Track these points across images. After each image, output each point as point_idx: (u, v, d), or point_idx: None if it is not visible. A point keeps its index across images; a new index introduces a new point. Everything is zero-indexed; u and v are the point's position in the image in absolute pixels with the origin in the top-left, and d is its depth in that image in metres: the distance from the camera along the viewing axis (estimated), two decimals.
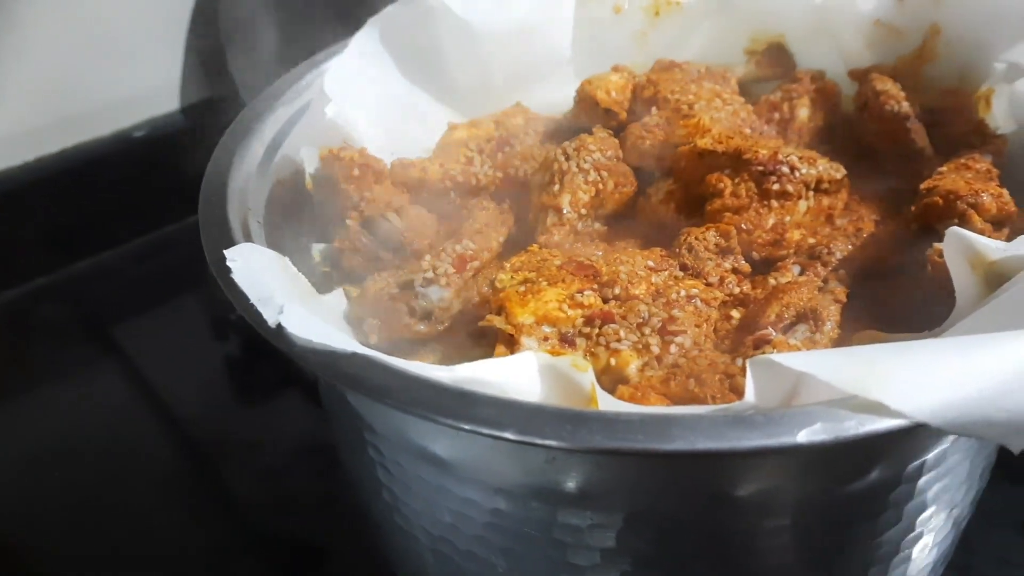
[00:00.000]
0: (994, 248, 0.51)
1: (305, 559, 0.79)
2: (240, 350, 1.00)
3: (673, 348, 0.54)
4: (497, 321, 0.54)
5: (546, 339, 0.54)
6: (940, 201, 0.58)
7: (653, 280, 0.58)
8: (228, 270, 0.51)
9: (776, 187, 0.62)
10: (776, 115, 0.74)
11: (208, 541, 0.81)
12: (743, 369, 0.44)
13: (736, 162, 0.63)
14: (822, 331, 0.55)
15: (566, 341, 0.54)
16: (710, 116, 0.70)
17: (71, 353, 1.03)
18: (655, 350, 0.53)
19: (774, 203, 0.62)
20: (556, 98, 0.80)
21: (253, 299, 0.49)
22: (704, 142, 0.65)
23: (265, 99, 0.72)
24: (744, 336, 0.55)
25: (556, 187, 0.66)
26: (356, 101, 0.72)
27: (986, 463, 0.60)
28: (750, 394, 0.42)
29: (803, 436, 0.40)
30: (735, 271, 0.60)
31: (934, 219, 0.58)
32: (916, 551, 0.57)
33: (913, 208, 0.61)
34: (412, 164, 0.71)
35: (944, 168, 0.63)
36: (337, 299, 0.63)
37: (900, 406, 0.39)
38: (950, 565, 0.65)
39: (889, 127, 0.69)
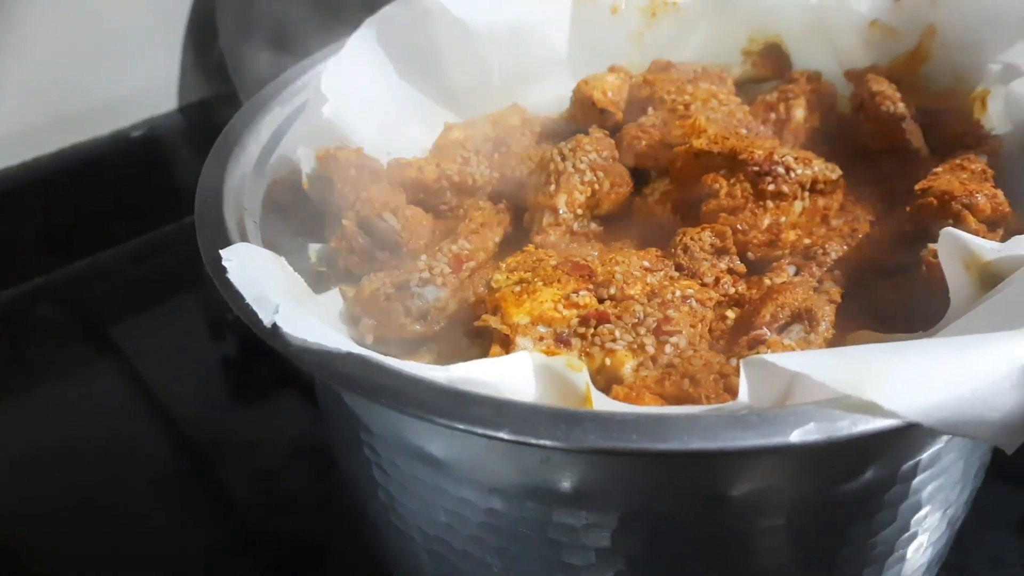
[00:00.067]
0: (988, 249, 0.51)
1: (303, 559, 0.79)
2: (237, 350, 1.00)
3: (668, 348, 0.54)
4: (493, 321, 0.54)
5: (541, 339, 0.54)
6: (935, 202, 0.58)
7: (648, 280, 0.58)
8: (224, 270, 0.51)
9: (772, 188, 0.62)
10: (772, 115, 0.74)
11: (206, 541, 0.81)
12: (738, 369, 0.44)
13: (732, 163, 0.64)
14: (817, 331, 0.55)
15: (561, 341, 0.54)
16: (706, 116, 0.70)
17: (69, 353, 1.03)
18: (650, 350, 0.54)
19: (769, 203, 0.63)
20: (553, 98, 0.81)
21: (248, 299, 0.49)
22: (700, 142, 0.65)
23: (262, 99, 0.72)
24: (739, 336, 0.55)
25: (552, 187, 0.66)
26: (353, 101, 0.72)
27: (980, 463, 0.60)
28: (744, 394, 0.43)
29: (797, 436, 0.40)
30: (730, 271, 0.60)
31: (929, 220, 0.58)
32: (911, 551, 0.57)
33: (908, 209, 0.61)
34: (408, 164, 0.71)
35: (939, 169, 0.63)
36: (333, 299, 0.63)
37: (893, 406, 0.39)
38: (945, 565, 0.65)
39: (885, 128, 0.70)
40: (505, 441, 0.42)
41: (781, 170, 0.63)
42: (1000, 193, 0.59)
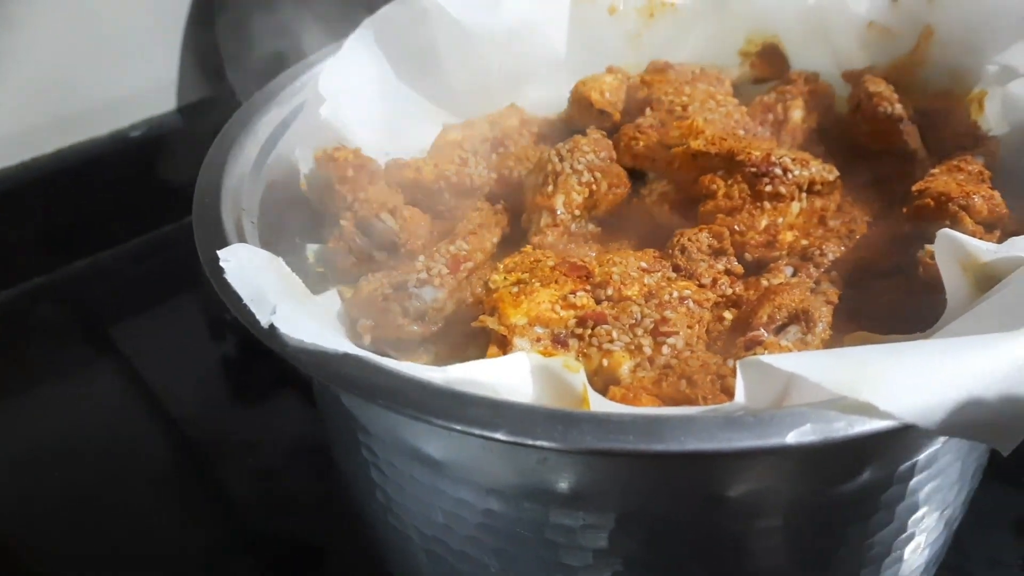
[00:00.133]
0: (985, 250, 0.51)
1: (303, 559, 0.79)
2: (237, 350, 1.00)
3: (665, 349, 0.54)
4: (490, 322, 0.55)
5: (539, 340, 0.54)
6: (932, 203, 0.59)
7: (646, 281, 0.58)
8: (221, 270, 0.51)
9: (769, 189, 0.62)
10: (770, 116, 0.74)
11: (205, 541, 0.81)
12: (735, 370, 0.44)
13: (729, 164, 0.64)
14: (814, 332, 0.55)
15: (559, 342, 0.54)
16: (704, 117, 0.70)
17: (68, 353, 1.03)
18: (647, 351, 0.54)
19: (767, 204, 0.63)
20: (551, 99, 0.81)
21: (246, 299, 0.49)
22: (697, 144, 0.65)
23: (260, 99, 0.72)
24: (736, 337, 0.55)
25: (550, 188, 0.66)
26: (351, 102, 0.72)
27: (977, 464, 0.60)
28: (740, 395, 0.43)
29: (793, 437, 0.40)
30: (728, 272, 0.60)
31: (926, 221, 0.58)
32: (908, 552, 0.57)
33: (905, 210, 0.61)
34: (406, 165, 0.71)
35: (936, 170, 0.63)
36: (331, 299, 0.63)
37: (889, 407, 0.39)
38: (942, 565, 0.66)
39: (882, 129, 0.70)
40: (502, 442, 0.42)
41: (779, 171, 0.63)
42: (997, 194, 0.59)
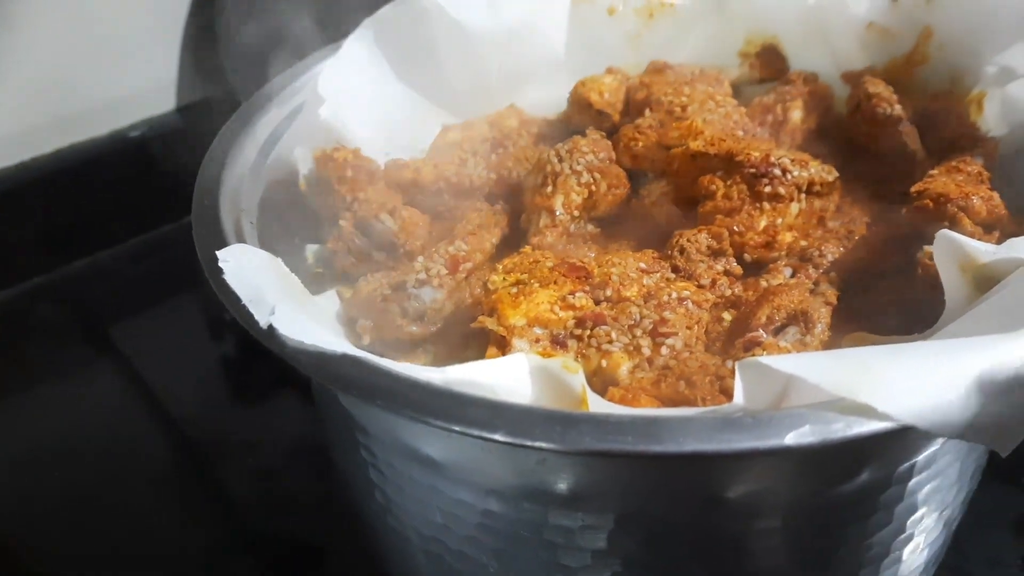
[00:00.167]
0: (984, 251, 0.51)
1: (303, 559, 0.79)
2: (237, 350, 1.00)
3: (664, 350, 0.54)
4: (489, 323, 0.55)
5: (538, 341, 0.54)
6: (931, 204, 0.58)
7: (645, 282, 0.58)
8: (220, 271, 0.51)
9: (768, 189, 0.62)
10: (769, 117, 0.74)
11: (205, 541, 0.81)
12: (733, 371, 0.44)
13: (728, 164, 0.64)
14: (812, 333, 0.55)
15: (557, 343, 0.54)
16: (703, 118, 0.70)
17: (68, 353, 1.03)
18: (646, 352, 0.54)
19: (766, 205, 0.63)
20: (550, 99, 0.81)
21: (245, 300, 0.49)
22: (696, 144, 0.65)
23: (259, 100, 0.72)
24: (735, 338, 0.55)
25: (549, 189, 0.66)
26: (350, 102, 0.72)
27: (977, 464, 0.60)
28: (739, 396, 0.43)
29: (791, 438, 0.40)
30: (727, 273, 0.60)
31: (925, 222, 0.58)
32: (907, 552, 0.57)
33: (904, 211, 0.61)
34: (406, 165, 0.71)
35: (935, 171, 0.63)
36: (330, 300, 0.63)
37: (888, 409, 0.39)
38: (942, 566, 0.66)
39: (881, 130, 0.70)
40: (501, 443, 0.42)
41: (778, 172, 0.63)
42: (996, 195, 0.59)
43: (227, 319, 0.50)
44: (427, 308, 0.60)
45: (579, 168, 0.66)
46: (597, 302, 0.56)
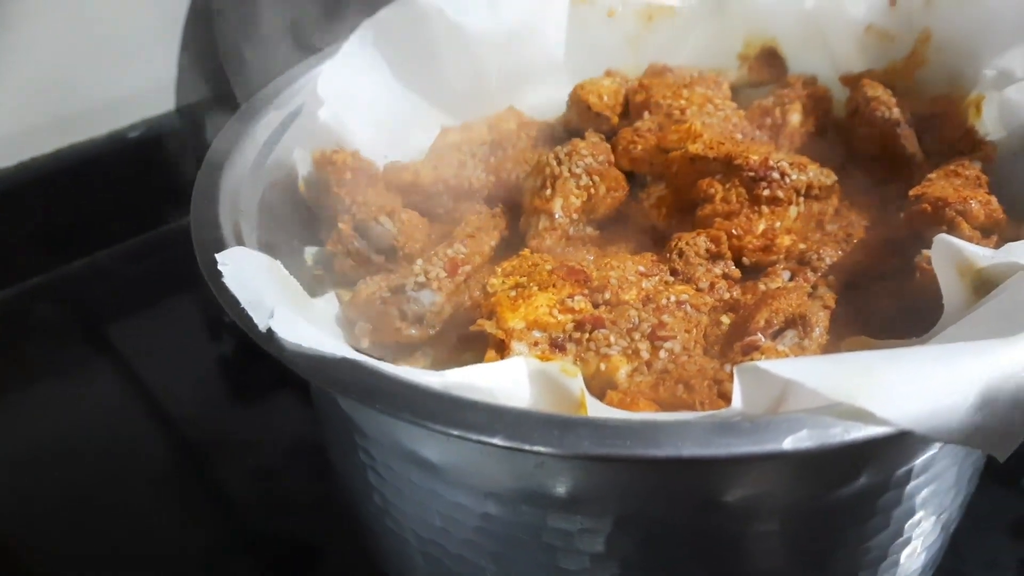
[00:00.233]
0: (982, 255, 0.51)
1: (301, 559, 0.79)
2: (236, 350, 1.00)
3: (663, 354, 0.54)
4: (488, 326, 0.55)
5: (536, 344, 0.54)
6: (929, 208, 0.58)
7: (643, 285, 0.58)
8: (219, 274, 0.51)
9: (767, 193, 0.62)
10: (768, 120, 0.74)
11: (204, 541, 0.81)
12: (732, 375, 0.44)
13: (727, 168, 0.64)
14: (811, 337, 0.55)
15: (556, 346, 0.54)
16: (702, 121, 0.70)
17: (66, 353, 1.03)
18: (645, 355, 0.54)
19: (764, 209, 0.63)
20: (549, 101, 0.80)
21: (244, 303, 0.49)
22: (695, 147, 0.65)
23: (259, 101, 0.72)
24: (734, 342, 0.55)
25: (548, 191, 0.66)
26: (349, 104, 0.72)
27: (974, 468, 0.60)
28: (737, 401, 0.43)
29: (789, 443, 0.40)
30: (725, 276, 0.61)
31: (923, 226, 0.58)
32: (904, 556, 0.57)
33: (902, 215, 0.61)
34: (405, 167, 0.71)
35: (933, 175, 0.63)
36: (329, 302, 0.63)
37: (886, 413, 0.39)
38: (939, 569, 0.66)
39: (879, 133, 0.70)
40: (499, 447, 0.42)
41: (776, 175, 0.63)
42: (994, 200, 0.59)
43: (226, 319, 0.50)
44: (426, 311, 0.60)
45: (578, 171, 0.66)
46: (596, 305, 0.56)
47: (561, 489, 0.49)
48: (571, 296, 0.56)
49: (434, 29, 0.76)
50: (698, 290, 0.59)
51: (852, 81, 0.76)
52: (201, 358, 1.01)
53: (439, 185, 0.71)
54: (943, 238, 0.52)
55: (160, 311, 1.09)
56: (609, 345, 0.54)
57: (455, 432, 0.43)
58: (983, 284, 0.51)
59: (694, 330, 0.56)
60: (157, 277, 1.12)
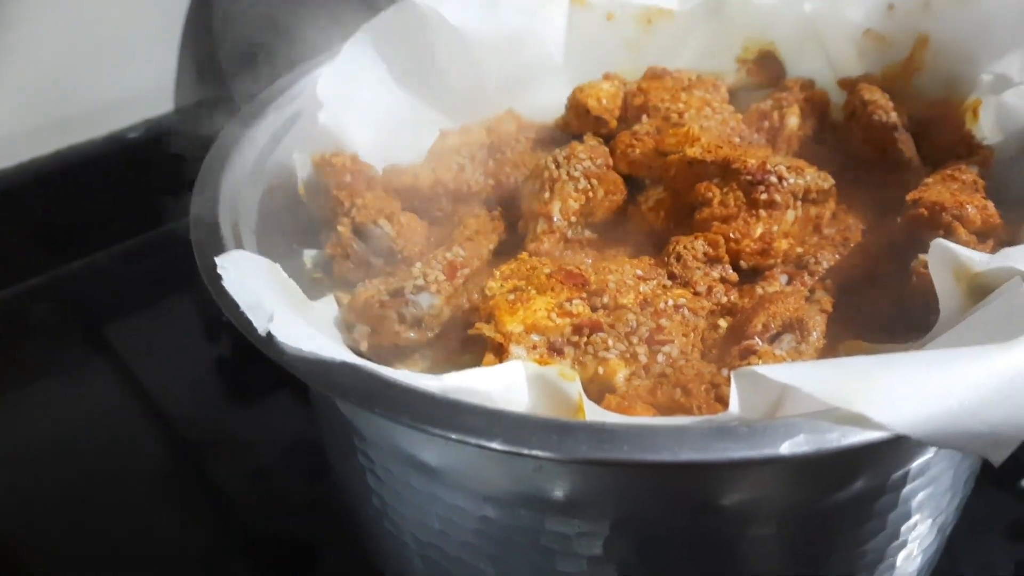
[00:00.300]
0: (978, 260, 0.51)
1: (298, 559, 0.79)
2: (233, 351, 1.00)
3: (660, 357, 0.54)
4: (486, 329, 0.55)
5: (535, 347, 0.54)
6: (925, 213, 0.59)
7: (641, 289, 0.58)
8: (219, 277, 0.51)
9: (764, 197, 0.62)
10: (766, 124, 0.74)
11: (202, 541, 0.81)
12: (729, 379, 0.44)
13: (725, 171, 0.64)
14: (808, 341, 0.55)
15: (554, 350, 0.54)
16: (700, 125, 0.70)
17: (64, 353, 1.03)
18: (643, 359, 0.54)
19: (762, 212, 0.63)
20: (548, 104, 0.80)
21: (243, 307, 0.49)
22: (693, 151, 0.65)
23: (258, 104, 0.72)
24: (731, 345, 0.55)
25: (546, 195, 0.66)
26: (349, 107, 0.72)
27: (971, 471, 0.60)
28: (734, 405, 0.43)
29: (786, 448, 0.40)
30: (723, 280, 0.61)
31: (920, 230, 0.59)
32: (900, 559, 0.58)
33: (899, 219, 0.61)
34: (404, 171, 0.71)
35: (930, 179, 0.63)
36: (328, 305, 0.63)
37: (882, 418, 0.40)
38: (935, 571, 0.66)
39: (877, 137, 0.70)
40: (497, 451, 0.42)
41: (774, 179, 0.63)
42: (990, 204, 0.59)
43: (224, 320, 0.50)
44: (425, 314, 0.60)
45: (576, 174, 0.66)
46: (594, 309, 0.56)
47: (559, 493, 0.49)
48: (569, 300, 0.56)
49: (433, 32, 0.76)
50: (696, 294, 0.59)
51: (850, 85, 0.76)
52: (199, 358, 1.01)
53: (438, 188, 0.71)
54: (940, 243, 0.52)
55: (158, 311, 1.09)
56: (607, 349, 0.54)
57: (454, 436, 0.43)
58: (979, 289, 0.51)
59: (692, 334, 0.56)
60: (156, 277, 1.12)
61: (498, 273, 0.59)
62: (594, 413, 0.48)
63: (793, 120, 0.74)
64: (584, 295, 0.57)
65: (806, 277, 0.61)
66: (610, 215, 0.68)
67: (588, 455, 0.41)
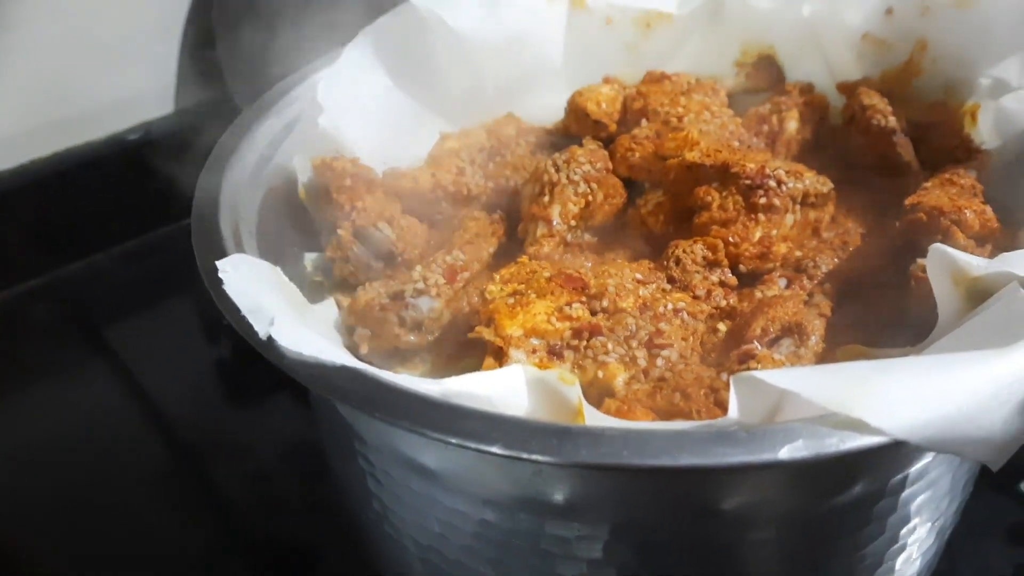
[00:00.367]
0: (976, 265, 0.51)
1: (297, 561, 0.79)
2: (232, 352, 1.00)
3: (660, 361, 0.54)
4: (486, 333, 0.55)
5: (534, 351, 0.54)
6: (924, 217, 0.59)
7: (641, 293, 0.58)
8: (220, 281, 0.51)
9: (763, 201, 0.63)
10: (765, 127, 0.74)
11: (201, 542, 0.81)
12: (728, 384, 0.45)
13: (724, 175, 0.64)
14: (807, 345, 0.55)
15: (554, 353, 0.54)
16: (699, 129, 0.70)
17: (64, 354, 1.03)
18: (642, 363, 0.54)
19: (761, 216, 0.63)
20: (548, 108, 0.81)
21: (244, 310, 0.49)
22: (693, 155, 0.65)
23: (258, 108, 0.72)
24: (730, 350, 0.55)
25: (546, 198, 0.66)
26: (349, 110, 0.72)
27: (970, 474, 0.61)
28: (733, 410, 0.43)
29: (785, 453, 0.41)
30: (722, 284, 0.61)
31: (918, 235, 0.59)
32: (900, 562, 0.58)
33: (898, 223, 0.61)
34: (404, 174, 0.71)
35: (929, 184, 0.64)
36: (328, 308, 0.63)
37: (880, 423, 0.40)
38: (935, 575, 0.66)
39: (876, 141, 0.70)
40: (497, 456, 0.42)
41: (773, 183, 0.63)
42: (989, 209, 0.60)
43: (223, 322, 0.50)
44: (425, 317, 0.60)
45: (576, 178, 0.66)
46: (593, 313, 0.57)
47: (559, 496, 0.49)
48: (569, 303, 0.56)
49: (433, 36, 0.76)
50: (695, 298, 0.59)
51: (848, 89, 0.77)
52: (199, 360, 1.01)
53: (438, 191, 0.71)
54: (938, 247, 0.53)
55: (158, 313, 1.09)
56: (607, 352, 0.54)
57: (454, 440, 0.43)
58: (977, 293, 0.51)
59: (691, 338, 0.56)
60: (155, 279, 1.13)
61: (498, 277, 0.59)
62: (593, 417, 0.48)
63: (792, 124, 0.74)
64: (583, 299, 0.57)
65: (805, 281, 0.61)
66: (609, 219, 0.69)
67: (587, 459, 0.41)
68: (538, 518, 0.50)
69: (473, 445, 0.43)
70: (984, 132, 0.70)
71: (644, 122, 0.73)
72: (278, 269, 0.57)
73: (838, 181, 0.66)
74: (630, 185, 0.70)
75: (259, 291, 0.51)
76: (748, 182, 0.63)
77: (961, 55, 0.73)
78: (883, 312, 0.59)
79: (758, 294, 0.60)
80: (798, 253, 0.63)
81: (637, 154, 0.69)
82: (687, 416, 0.51)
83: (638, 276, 0.60)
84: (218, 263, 0.52)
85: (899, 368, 0.43)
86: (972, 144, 0.69)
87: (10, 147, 1.09)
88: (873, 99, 0.72)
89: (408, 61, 0.76)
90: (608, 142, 0.73)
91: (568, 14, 0.83)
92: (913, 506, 0.54)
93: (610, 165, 0.69)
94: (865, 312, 0.59)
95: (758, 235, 0.63)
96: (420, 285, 0.61)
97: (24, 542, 0.82)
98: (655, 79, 0.78)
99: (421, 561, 0.59)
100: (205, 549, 0.80)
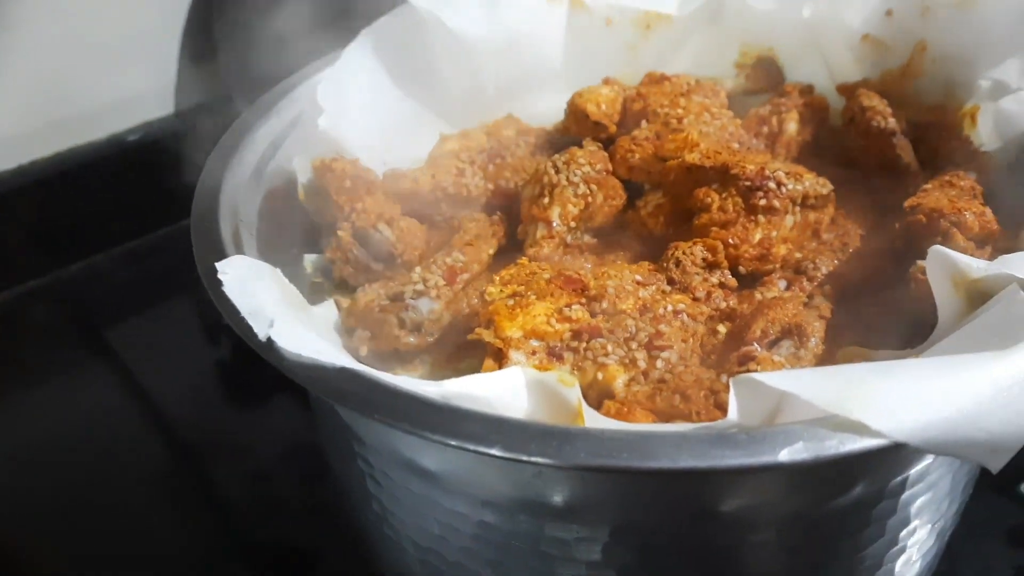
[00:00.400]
0: (976, 267, 0.51)
1: (297, 562, 0.79)
2: (232, 354, 1.00)
3: (659, 363, 0.54)
4: (486, 334, 0.55)
5: (534, 353, 0.54)
6: (924, 219, 0.59)
7: (641, 295, 0.58)
8: (219, 283, 0.51)
9: (763, 202, 0.63)
10: (764, 129, 0.74)
11: (201, 543, 0.81)
12: (728, 386, 0.45)
13: (723, 177, 0.64)
14: (806, 347, 0.55)
15: (554, 355, 0.54)
16: (699, 130, 0.70)
17: (63, 355, 1.03)
18: (642, 365, 0.54)
19: (761, 218, 0.63)
20: (547, 109, 0.81)
21: (244, 312, 0.49)
22: (692, 157, 0.65)
23: (258, 109, 0.72)
24: (730, 351, 0.55)
25: (546, 200, 0.66)
26: (349, 112, 0.72)
27: (969, 476, 0.61)
28: (733, 412, 0.43)
29: (785, 455, 0.41)
30: (722, 286, 0.61)
31: (918, 237, 0.59)
32: (900, 564, 0.58)
33: (897, 225, 0.61)
34: (403, 175, 0.71)
35: (929, 185, 0.64)
36: (328, 310, 0.63)
37: (880, 426, 0.40)
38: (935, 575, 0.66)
39: (875, 143, 0.70)
40: (497, 458, 0.42)
41: (772, 185, 0.63)
42: (988, 211, 0.60)
43: (223, 323, 0.50)
44: (424, 319, 0.60)
45: (576, 179, 0.66)
46: (593, 314, 0.57)
47: (558, 498, 0.49)
48: (569, 305, 0.56)
49: (433, 37, 0.76)
50: (695, 299, 0.59)
51: (848, 90, 0.77)
52: (199, 361, 1.01)
53: (437, 192, 0.71)
54: (938, 249, 0.53)
55: (158, 314, 1.09)
56: (606, 354, 0.54)
57: (453, 442, 0.43)
58: (977, 295, 0.51)
59: (691, 340, 0.56)
60: (155, 280, 1.13)
61: (498, 278, 0.59)
62: (593, 419, 0.48)
63: (792, 126, 0.74)
64: (583, 300, 0.57)
65: (805, 283, 0.61)
66: (609, 220, 0.69)
67: (587, 462, 0.41)
68: (538, 520, 0.50)
69: (473, 447, 0.43)
70: (984, 134, 0.70)
71: (644, 123, 0.73)
72: (278, 270, 0.57)
73: (838, 183, 0.66)
74: (630, 187, 0.70)
75: (259, 292, 0.51)
76: (748, 184, 0.63)
77: (961, 57, 0.73)
78: (883, 314, 0.59)
79: (758, 296, 0.60)
80: (798, 255, 0.63)
81: (637, 155, 0.69)
82: (687, 418, 0.51)
83: (638, 278, 0.60)
84: (218, 264, 0.52)
85: (899, 370, 0.43)
86: (972, 146, 0.69)
87: (10, 147, 1.09)
88: (873, 100, 0.72)
89: (408, 62, 0.76)
90: (608, 143, 0.73)
91: (568, 15, 0.83)
92: (913, 508, 0.54)
93: (610, 166, 0.69)
94: (865, 314, 0.59)
95: (758, 237, 0.63)
96: (420, 286, 0.61)
97: (24, 542, 0.82)
98: (655, 80, 0.78)
99: (420, 562, 0.59)
100: (205, 549, 0.80)
